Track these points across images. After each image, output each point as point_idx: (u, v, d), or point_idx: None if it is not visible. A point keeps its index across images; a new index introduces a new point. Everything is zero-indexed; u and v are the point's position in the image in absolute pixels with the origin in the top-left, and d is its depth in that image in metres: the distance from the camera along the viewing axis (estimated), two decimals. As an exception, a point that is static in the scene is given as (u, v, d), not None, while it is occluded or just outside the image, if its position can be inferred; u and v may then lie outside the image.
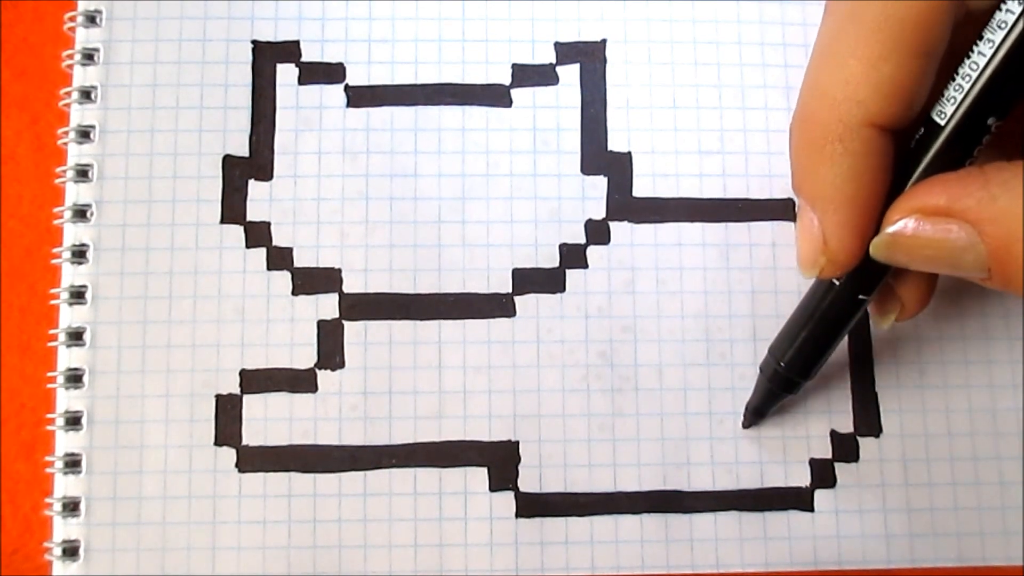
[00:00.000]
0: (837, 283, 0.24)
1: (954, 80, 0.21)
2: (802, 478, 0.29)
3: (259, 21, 0.30)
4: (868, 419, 0.29)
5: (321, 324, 0.29)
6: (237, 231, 0.29)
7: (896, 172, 0.22)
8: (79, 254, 0.29)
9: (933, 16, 0.20)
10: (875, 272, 0.23)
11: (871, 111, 0.21)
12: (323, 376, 0.29)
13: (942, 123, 0.21)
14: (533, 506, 0.28)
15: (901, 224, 0.21)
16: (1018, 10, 0.19)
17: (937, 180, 0.21)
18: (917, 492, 0.29)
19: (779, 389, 0.27)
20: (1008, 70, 0.20)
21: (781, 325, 0.26)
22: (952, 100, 0.21)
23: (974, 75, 0.20)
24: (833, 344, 0.26)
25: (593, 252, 0.30)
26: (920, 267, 0.22)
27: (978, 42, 0.20)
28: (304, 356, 0.29)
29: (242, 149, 0.30)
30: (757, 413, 0.28)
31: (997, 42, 0.20)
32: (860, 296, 0.24)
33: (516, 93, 0.30)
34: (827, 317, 0.25)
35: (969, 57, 0.21)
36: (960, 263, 0.20)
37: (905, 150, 0.22)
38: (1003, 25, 0.20)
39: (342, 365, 0.29)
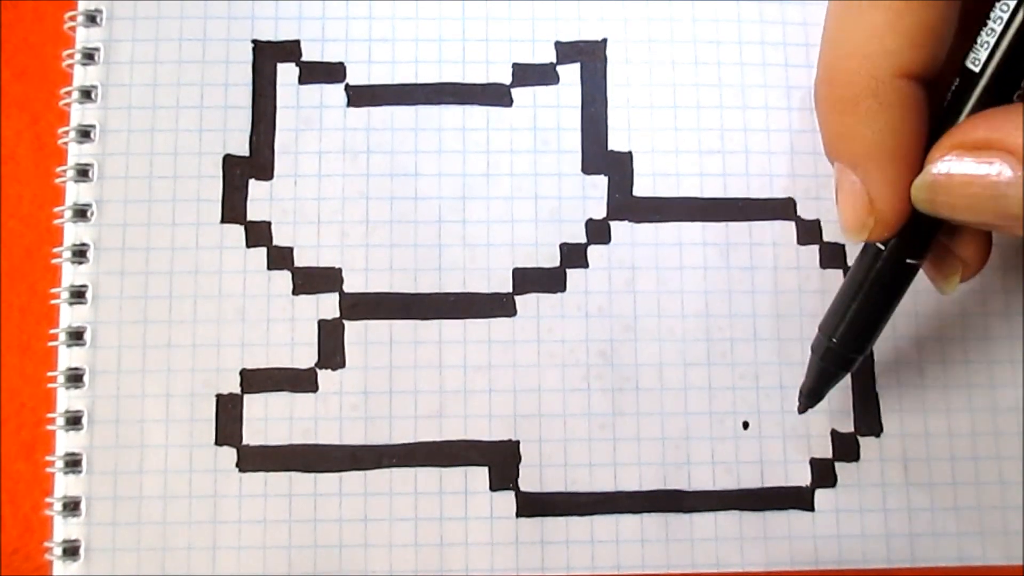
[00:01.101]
0: (883, 248, 0.23)
1: (986, 24, 0.20)
2: (803, 478, 0.29)
3: (259, 20, 0.30)
4: (869, 418, 0.29)
5: (322, 324, 0.29)
6: (237, 231, 0.29)
7: (933, 126, 0.21)
8: (79, 254, 0.29)
9: None
10: (922, 233, 0.22)
11: (903, 60, 0.20)
12: (324, 376, 0.29)
13: (977, 70, 0.20)
14: (534, 505, 0.28)
15: (942, 163, 0.20)
16: None
17: (978, 116, 0.20)
18: (917, 492, 0.29)
19: (834, 367, 0.26)
20: None
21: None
22: (986, 45, 0.20)
23: (1005, 17, 0.20)
24: (886, 315, 0.25)
25: (594, 251, 0.30)
26: (964, 214, 0.20)
27: None
28: (305, 356, 0.29)
29: (242, 148, 0.30)
30: (813, 395, 0.27)
31: None
32: (909, 260, 0.23)
33: (517, 92, 0.30)
34: (877, 287, 0.24)
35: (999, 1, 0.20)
36: (1006, 201, 0.19)
37: (938, 103, 0.21)
38: None
39: (343, 365, 0.29)
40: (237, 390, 0.28)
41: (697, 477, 0.29)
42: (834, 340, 0.25)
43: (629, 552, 0.28)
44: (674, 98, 0.30)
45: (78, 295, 0.29)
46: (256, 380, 0.29)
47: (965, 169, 0.20)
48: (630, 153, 0.30)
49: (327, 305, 0.29)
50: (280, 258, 0.29)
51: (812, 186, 0.30)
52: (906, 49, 0.20)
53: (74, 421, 0.28)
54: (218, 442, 0.28)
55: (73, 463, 0.28)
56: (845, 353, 0.25)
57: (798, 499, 0.29)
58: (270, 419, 0.28)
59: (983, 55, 0.20)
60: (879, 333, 0.25)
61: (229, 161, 0.30)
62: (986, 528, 0.29)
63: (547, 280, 0.29)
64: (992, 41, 0.20)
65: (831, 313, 0.25)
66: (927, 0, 0.20)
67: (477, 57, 0.31)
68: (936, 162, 0.20)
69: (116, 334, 0.28)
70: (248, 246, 0.29)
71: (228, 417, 0.28)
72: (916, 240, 0.22)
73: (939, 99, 0.22)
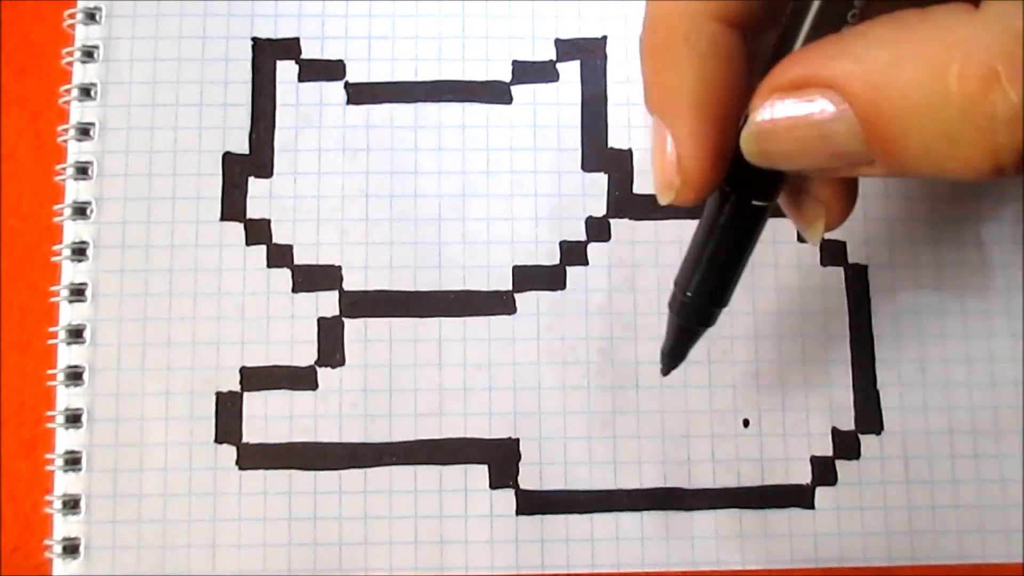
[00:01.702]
0: (728, 190, 0.21)
1: None
2: (803, 475, 0.29)
3: (259, 18, 0.30)
4: (869, 416, 0.29)
5: (321, 321, 0.29)
6: (237, 228, 0.29)
7: (754, 80, 0.19)
8: (79, 251, 0.29)
9: None
10: (766, 171, 0.20)
11: (716, 3, 0.19)
12: (323, 373, 0.29)
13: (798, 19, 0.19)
14: (533, 503, 0.28)
15: (764, 109, 0.18)
16: None
17: (795, 53, 0.18)
18: (918, 489, 0.29)
19: (692, 323, 0.24)
20: None
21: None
22: None
23: None
24: (741, 263, 0.22)
25: (594, 249, 0.30)
26: (800, 161, 0.19)
27: None
28: (304, 353, 0.29)
29: (242, 146, 0.30)
30: (674, 354, 0.25)
31: None
32: (756, 203, 0.21)
33: (516, 90, 0.30)
34: (727, 233, 0.21)
35: None
36: (835, 140, 0.17)
37: (761, 59, 0.19)
38: None
39: (342, 362, 0.29)
40: (237, 388, 0.28)
41: (697, 475, 0.29)
42: (688, 294, 0.23)
43: (629, 550, 0.28)
44: (674, 95, 0.30)
45: (78, 293, 0.29)
46: (256, 378, 0.28)
47: (788, 111, 0.18)
48: (630, 151, 0.30)
49: (327, 303, 0.29)
50: (280, 256, 0.29)
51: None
52: None
53: (74, 419, 0.28)
54: (218, 440, 0.28)
55: (73, 461, 0.28)
56: (702, 307, 0.23)
57: (799, 497, 0.29)
58: (270, 417, 0.28)
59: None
60: (736, 283, 0.23)
61: (229, 159, 0.30)
62: (987, 526, 0.29)
63: (547, 278, 0.29)
64: None
65: (684, 266, 0.23)
66: None
67: (477, 55, 0.31)
68: (757, 109, 0.18)
69: (116, 332, 0.28)
70: (248, 244, 0.29)
71: (228, 415, 0.28)
72: (762, 179, 0.20)
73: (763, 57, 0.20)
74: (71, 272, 0.29)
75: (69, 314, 0.29)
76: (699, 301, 0.23)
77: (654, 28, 0.20)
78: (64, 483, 0.28)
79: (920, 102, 0.16)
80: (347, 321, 0.29)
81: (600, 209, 0.30)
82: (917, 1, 0.17)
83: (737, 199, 0.21)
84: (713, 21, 0.19)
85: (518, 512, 0.28)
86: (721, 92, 0.19)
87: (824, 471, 0.29)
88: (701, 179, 0.20)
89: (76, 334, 0.28)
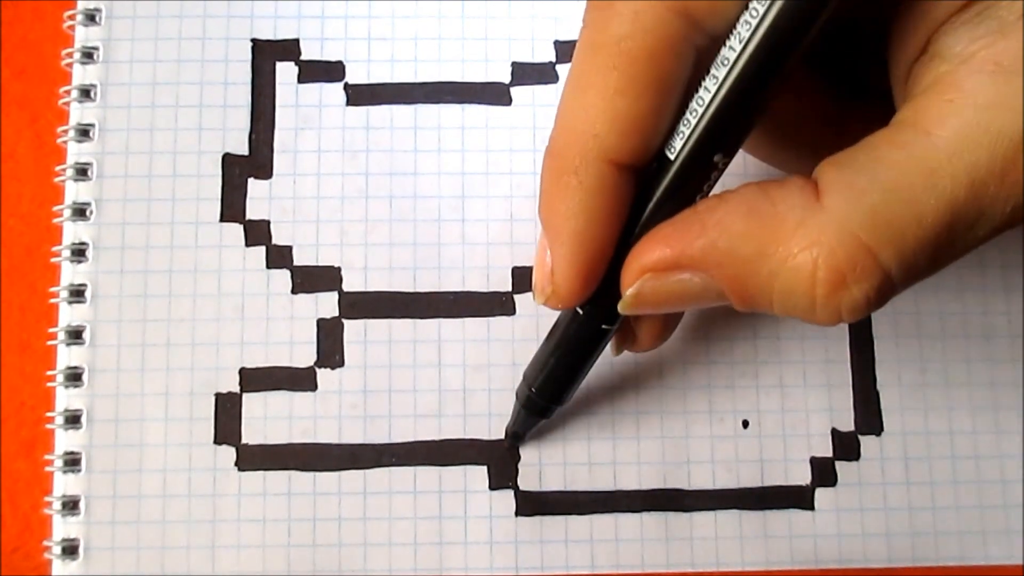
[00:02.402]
0: (581, 312, 0.23)
1: (684, 115, 0.20)
2: (803, 476, 0.29)
3: (258, 19, 0.30)
4: (869, 417, 0.29)
5: (321, 322, 0.29)
6: (237, 229, 0.29)
7: (634, 208, 0.21)
8: (79, 252, 0.29)
9: (667, 49, 0.19)
10: (615, 303, 0.22)
11: (607, 145, 0.20)
12: (323, 374, 0.29)
13: (672, 158, 0.20)
14: (533, 504, 0.28)
15: (638, 285, 0.21)
16: (738, 48, 0.18)
17: (659, 233, 0.20)
18: (918, 490, 0.29)
19: (533, 414, 0.27)
20: (731, 106, 0.19)
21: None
22: (681, 135, 0.20)
23: (700, 110, 0.19)
24: (582, 371, 0.25)
25: (593, 250, 0.29)
26: (666, 310, 0.22)
27: (705, 76, 0.19)
28: (304, 354, 0.29)
29: (242, 147, 0.30)
30: (516, 436, 0.28)
31: (720, 78, 0.19)
32: (604, 326, 0.23)
33: (516, 91, 0.30)
34: (574, 345, 0.24)
35: (697, 92, 0.19)
36: (702, 300, 0.20)
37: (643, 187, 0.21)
38: (726, 62, 0.19)
39: (342, 363, 0.29)
40: (236, 389, 0.28)
41: (697, 476, 0.28)
42: (533, 390, 0.26)
43: (628, 551, 0.28)
44: (674, 96, 0.30)
45: (77, 294, 0.29)
46: (255, 379, 0.28)
47: (662, 287, 0.21)
48: (629, 151, 0.30)
49: (326, 304, 0.29)
50: (279, 257, 0.29)
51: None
52: (612, 135, 0.20)
53: (73, 420, 0.28)
54: (217, 441, 0.28)
55: (72, 462, 0.28)
56: (541, 403, 0.26)
57: (798, 498, 0.28)
58: (269, 418, 0.28)
59: (678, 144, 0.20)
60: (576, 386, 0.26)
61: (228, 160, 0.30)
62: (988, 527, 0.29)
63: (546, 279, 0.29)
64: (687, 132, 0.20)
65: (533, 364, 0.26)
66: (641, 90, 0.19)
67: (476, 56, 0.31)
68: (630, 286, 0.21)
69: (115, 333, 0.28)
70: (247, 245, 0.29)
71: (227, 416, 0.28)
72: (610, 309, 0.22)
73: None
74: (71, 273, 0.29)
75: (69, 315, 0.29)
76: (540, 397, 0.26)
77: (553, 154, 0.21)
78: (64, 484, 0.28)
79: (781, 290, 0.19)
80: (346, 322, 0.29)
81: (599, 210, 0.30)
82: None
83: (586, 320, 0.23)
84: (602, 161, 0.20)
85: (517, 513, 0.28)
86: (598, 226, 0.21)
87: (824, 472, 0.29)
88: (569, 296, 0.22)
89: (76, 335, 0.28)
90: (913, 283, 0.19)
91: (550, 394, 0.26)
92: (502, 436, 0.28)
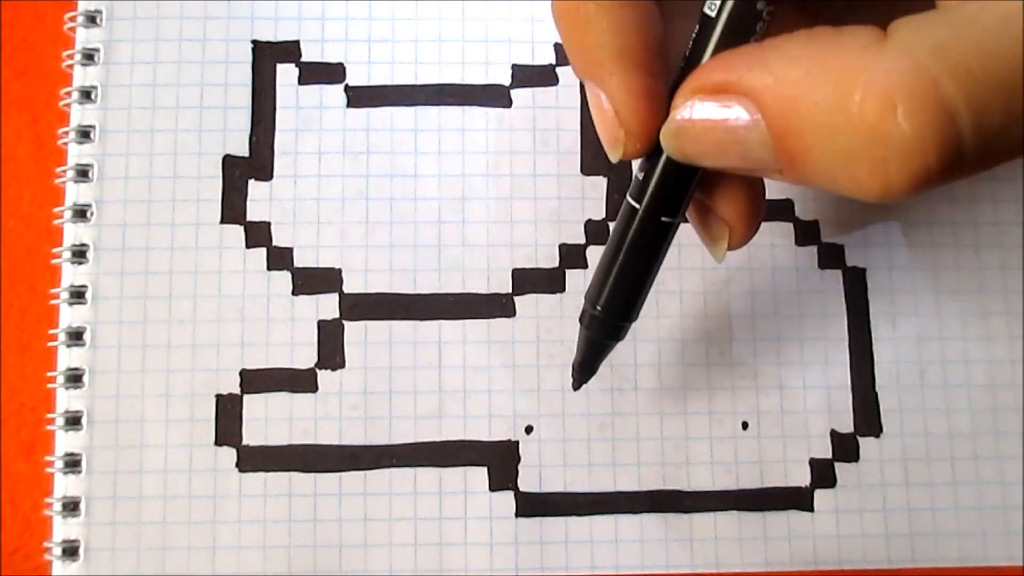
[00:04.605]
0: (639, 207, 0.21)
1: None
2: (802, 478, 0.29)
3: (259, 21, 0.30)
4: (868, 419, 0.29)
5: (321, 324, 0.29)
6: (237, 231, 0.29)
7: (678, 77, 0.20)
8: (79, 254, 0.29)
9: None
10: (674, 188, 0.21)
11: None
12: (323, 376, 0.29)
13: (713, 15, 0.19)
14: (533, 506, 0.28)
15: (684, 108, 0.19)
16: None
17: (717, 58, 0.19)
18: (918, 492, 0.29)
19: (602, 338, 0.24)
20: None
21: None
22: None
23: None
24: (649, 278, 0.23)
25: (593, 252, 0.30)
26: (713, 160, 0.20)
27: None
28: (304, 356, 0.29)
29: (242, 149, 0.30)
30: (585, 369, 0.26)
31: None
32: (664, 218, 0.21)
33: (516, 94, 0.30)
34: (635, 248, 0.22)
35: None
36: (747, 146, 0.18)
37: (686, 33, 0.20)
38: None
39: (342, 365, 0.29)
40: (237, 390, 0.28)
41: (696, 477, 0.29)
42: (598, 308, 0.23)
43: (628, 552, 0.28)
44: (673, 98, 0.30)
45: (78, 295, 0.29)
46: (256, 380, 0.29)
47: (706, 114, 0.19)
48: (629, 153, 0.30)
49: (327, 305, 0.29)
50: (280, 258, 0.29)
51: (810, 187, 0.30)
52: None
53: (74, 421, 0.28)
54: (218, 442, 0.28)
55: (73, 463, 0.28)
56: (611, 321, 0.24)
57: (798, 499, 0.29)
58: (270, 419, 0.28)
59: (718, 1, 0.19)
60: (644, 298, 0.23)
61: (229, 161, 0.30)
62: (987, 528, 0.29)
63: (546, 281, 0.29)
64: None
65: (594, 281, 0.23)
66: None
67: (477, 58, 0.31)
68: (679, 108, 0.19)
69: (116, 334, 0.28)
70: (248, 246, 0.29)
71: (228, 417, 0.28)
72: (669, 196, 0.21)
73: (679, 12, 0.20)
74: (71, 274, 0.29)
75: (69, 316, 0.29)
76: (608, 316, 0.23)
77: None
78: (64, 485, 0.28)
79: (823, 123, 0.17)
80: (347, 323, 0.29)
81: (599, 212, 0.30)
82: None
83: (645, 215, 0.21)
84: None
85: (517, 514, 0.28)
86: (638, 38, 0.20)
87: (823, 473, 0.29)
88: (641, 127, 0.20)
89: (76, 336, 0.28)
90: (985, 145, 0.16)
91: (619, 310, 0.23)
92: (502, 437, 0.28)
